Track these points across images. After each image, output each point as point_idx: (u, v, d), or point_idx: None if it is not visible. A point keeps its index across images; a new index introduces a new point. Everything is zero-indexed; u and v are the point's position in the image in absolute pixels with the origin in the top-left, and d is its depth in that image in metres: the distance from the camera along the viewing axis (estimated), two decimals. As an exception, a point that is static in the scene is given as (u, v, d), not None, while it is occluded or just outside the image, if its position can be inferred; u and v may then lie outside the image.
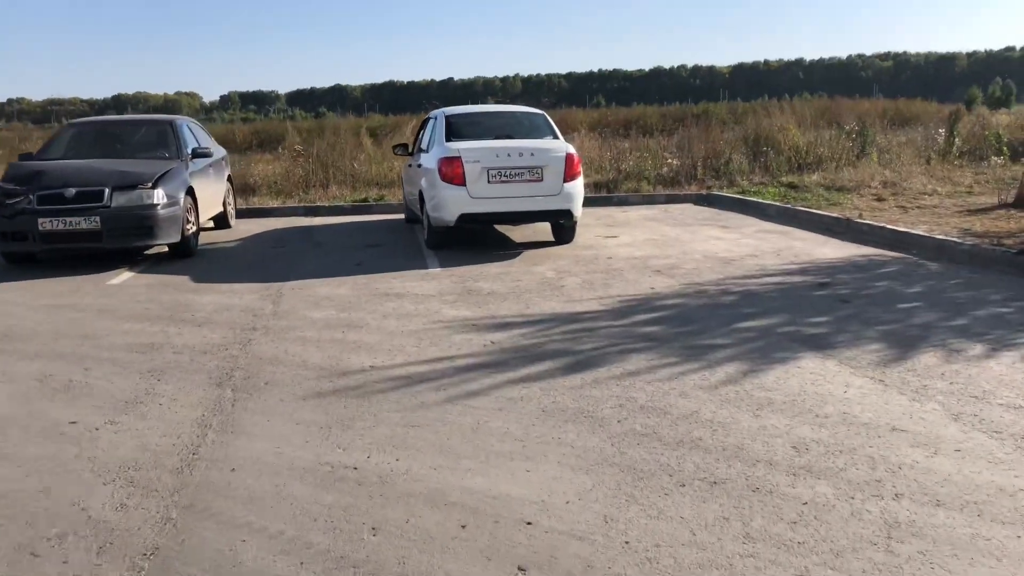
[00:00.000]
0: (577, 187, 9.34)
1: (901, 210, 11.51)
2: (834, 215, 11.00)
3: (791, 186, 14.48)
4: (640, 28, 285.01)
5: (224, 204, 11.83)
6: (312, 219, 13.21)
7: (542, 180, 9.16)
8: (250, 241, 10.97)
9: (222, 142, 14.27)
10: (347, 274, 8.40)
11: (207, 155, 10.36)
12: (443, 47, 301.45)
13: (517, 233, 10.79)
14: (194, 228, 9.63)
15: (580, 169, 9.46)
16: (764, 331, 5.90)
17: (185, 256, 9.45)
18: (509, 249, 9.77)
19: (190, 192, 9.62)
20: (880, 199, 12.68)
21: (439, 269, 8.60)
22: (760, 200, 13.10)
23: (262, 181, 15.90)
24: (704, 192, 14.66)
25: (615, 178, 16.00)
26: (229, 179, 12.24)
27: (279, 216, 13.58)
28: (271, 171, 16.56)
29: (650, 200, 14.47)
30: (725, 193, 14.26)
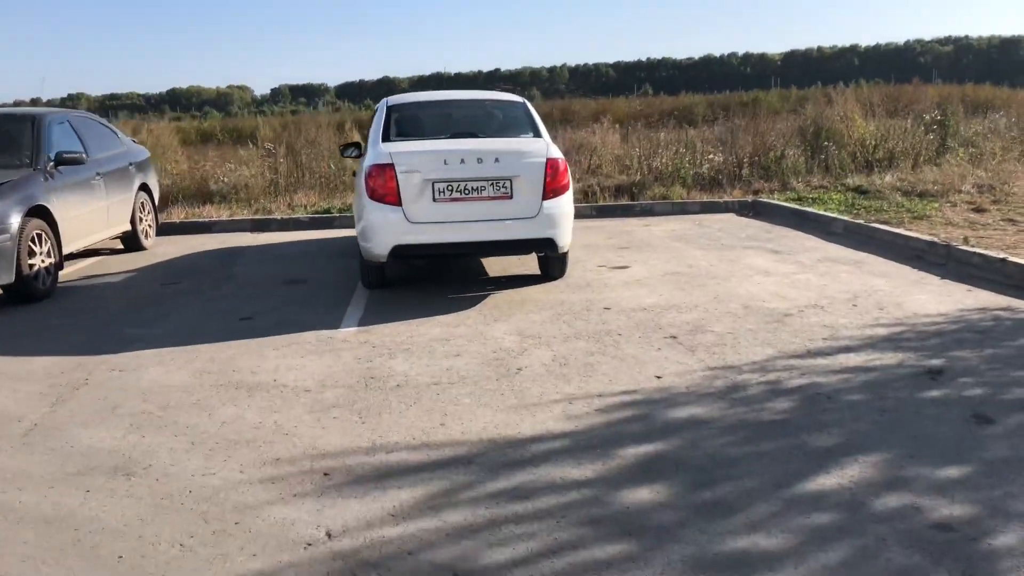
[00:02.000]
0: (562, 206, 6.57)
1: (1013, 226, 8.51)
2: (926, 238, 8.05)
3: (859, 191, 11.49)
4: (690, 16, 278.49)
5: (134, 221, 9.28)
6: (256, 236, 10.59)
7: (511, 197, 6.40)
8: (145, 273, 8.38)
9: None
10: (218, 337, 5.76)
11: (78, 162, 7.77)
12: (490, 39, 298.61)
13: (495, 262, 8.05)
14: (47, 262, 7.05)
15: (568, 180, 6.67)
16: (851, 507, 3.11)
17: (27, 300, 6.88)
18: (472, 289, 7.05)
19: (40, 212, 7.05)
20: (978, 209, 9.67)
21: (354, 329, 5.91)
22: (822, 212, 10.16)
23: (230, 186, 13.26)
24: (750, 199, 11.73)
25: (642, 179, 13.12)
26: (145, 188, 9.68)
27: (219, 232, 11.01)
28: (239, 175, 13.97)
29: (682, 208, 11.60)
30: (776, 200, 11.32)
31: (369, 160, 6.49)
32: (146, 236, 9.67)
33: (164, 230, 10.82)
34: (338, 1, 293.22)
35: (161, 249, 9.68)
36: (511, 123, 7.37)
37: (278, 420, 4.20)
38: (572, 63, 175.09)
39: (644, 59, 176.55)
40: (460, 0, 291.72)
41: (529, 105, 7.48)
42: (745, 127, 14.35)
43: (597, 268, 7.82)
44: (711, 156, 14.12)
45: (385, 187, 6.34)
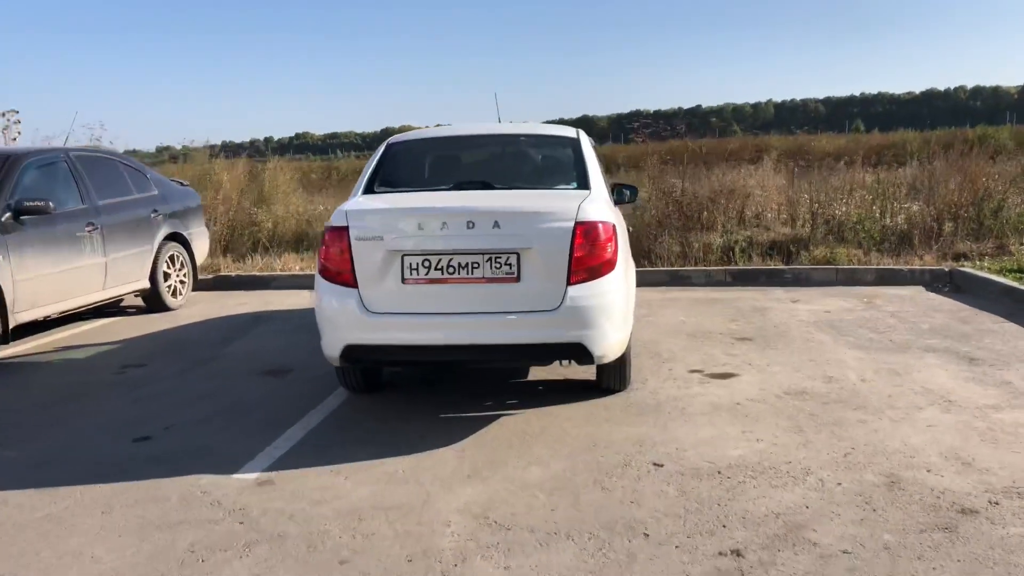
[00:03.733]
0: (603, 293, 4.27)
1: None
2: None
3: (1115, 261, 8.21)
4: (909, 48, 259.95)
5: (155, 277, 7.84)
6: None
7: (518, 279, 4.18)
8: (127, 347, 6.83)
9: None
10: (63, 478, 3.97)
11: (42, 211, 6.33)
12: (689, 76, 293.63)
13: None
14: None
15: (615, 254, 4.34)
16: None
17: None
18: (487, 400, 4.90)
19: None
20: None
21: (253, 476, 3.92)
22: (1053, 293, 7.10)
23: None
24: (947, 267, 8.72)
25: (810, 234, 10.34)
26: (178, 239, 8.23)
27: (278, 288, 9.45)
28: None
29: (850, 278, 8.77)
30: (985, 272, 8.28)
31: (330, 222, 4.49)
32: (175, 294, 8.22)
33: (216, 284, 9.40)
34: (536, 47, 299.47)
35: (188, 311, 8.18)
36: (550, 168, 5.17)
37: None
38: (778, 98, 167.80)
39: (858, 94, 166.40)
40: (661, 37, 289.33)
41: (584, 140, 5.20)
42: (949, 169, 11.12)
43: (688, 375, 5.39)
44: (907, 205, 11.10)
45: (337, 260, 4.32)
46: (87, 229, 6.96)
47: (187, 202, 8.64)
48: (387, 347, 4.26)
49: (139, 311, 8.20)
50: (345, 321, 4.27)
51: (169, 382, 5.64)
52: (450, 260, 4.19)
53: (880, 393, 4.91)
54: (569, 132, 5.22)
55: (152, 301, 7.99)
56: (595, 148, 6.00)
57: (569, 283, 4.18)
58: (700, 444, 4.15)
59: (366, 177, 4.98)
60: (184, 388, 5.47)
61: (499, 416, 4.66)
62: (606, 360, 4.40)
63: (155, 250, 7.86)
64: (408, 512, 3.47)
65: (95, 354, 6.52)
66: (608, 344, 4.30)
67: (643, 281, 8.85)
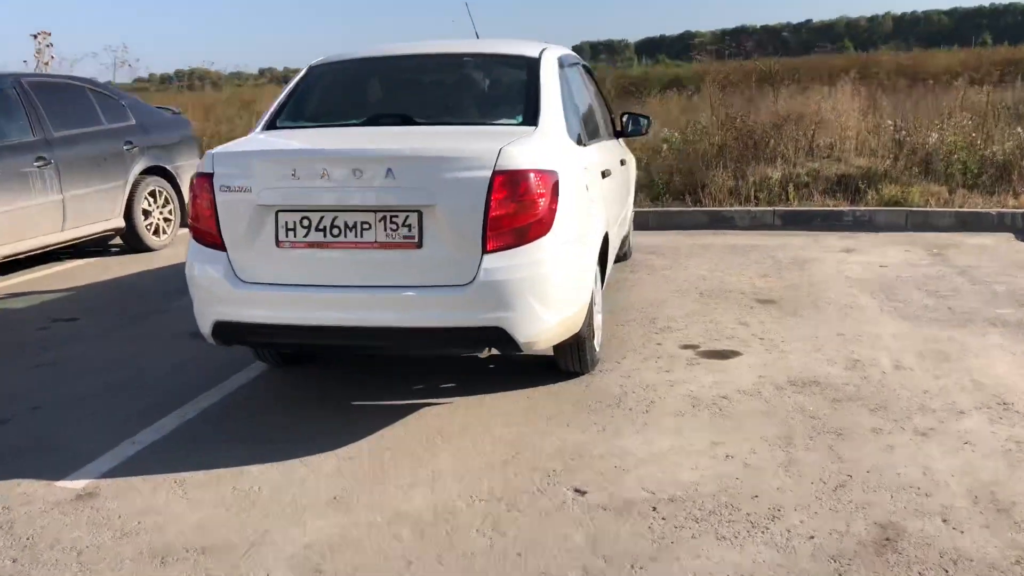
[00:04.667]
0: (530, 261, 3.28)
1: None
2: None
3: None
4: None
5: (132, 215, 7.25)
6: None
7: (419, 244, 3.23)
8: (71, 297, 6.24)
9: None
10: None
11: None
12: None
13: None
14: None
15: (547, 210, 3.32)
16: None
17: None
18: (418, 386, 4.02)
19: None
20: None
21: (82, 484, 3.20)
22: None
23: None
24: (1044, 210, 7.29)
25: (887, 169, 8.93)
26: (161, 172, 7.57)
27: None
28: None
29: (923, 222, 7.45)
30: (1091, 216, 6.84)
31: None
32: (157, 233, 7.59)
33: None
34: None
35: (172, 251, 7.55)
36: (496, 97, 4.14)
37: None
38: (897, 10, 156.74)
39: (987, 4, 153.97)
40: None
41: (547, 62, 4.10)
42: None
43: (677, 352, 4.40)
44: (1019, 130, 9.51)
45: (204, 216, 3.47)
46: (36, 164, 6.31)
47: (175, 133, 7.93)
48: (260, 326, 3.41)
49: (122, 251, 7.62)
50: (212, 292, 3.44)
51: (88, 343, 4.98)
52: (334, 219, 3.28)
53: (914, 387, 3.82)
54: (529, 51, 4.14)
55: (131, 240, 7.39)
56: (583, 72, 4.93)
57: (485, 250, 3.23)
58: (649, 461, 3.20)
59: (272, 108, 4.08)
60: (97, 352, 4.80)
61: (422, 406, 3.80)
62: (537, 348, 3.45)
63: (129, 186, 7.20)
64: (225, 556, 2.67)
65: (34, 304, 5.94)
66: (539, 328, 3.34)
67: (678, 223, 7.76)
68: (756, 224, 7.71)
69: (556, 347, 3.85)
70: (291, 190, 3.29)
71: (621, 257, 6.35)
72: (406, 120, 3.80)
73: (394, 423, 3.62)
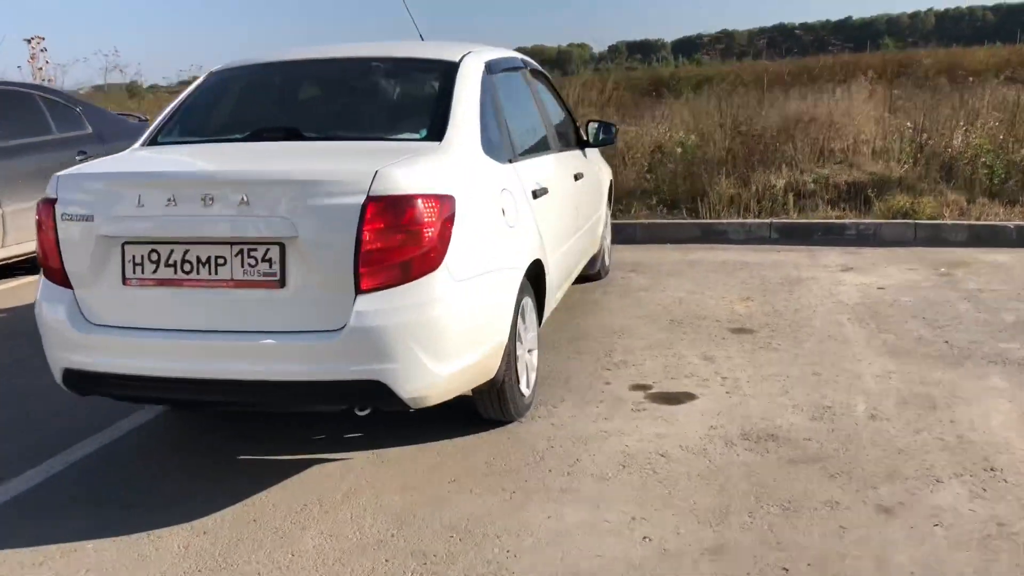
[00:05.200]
0: (415, 302, 2.78)
1: None
2: None
3: None
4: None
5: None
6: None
7: (283, 284, 2.75)
8: None
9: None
10: None
11: None
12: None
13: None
14: None
15: (436, 242, 2.81)
16: None
17: None
18: (319, 435, 3.53)
19: None
20: None
21: None
22: None
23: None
24: (1070, 222, 6.62)
25: (903, 174, 8.28)
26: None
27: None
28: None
29: (933, 235, 6.81)
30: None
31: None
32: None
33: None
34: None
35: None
36: (404, 108, 3.63)
37: None
38: (940, 6, 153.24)
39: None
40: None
41: (465, 69, 3.56)
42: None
43: (625, 394, 3.88)
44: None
45: (47, 247, 3.02)
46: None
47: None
48: (108, 376, 2.95)
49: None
50: (59, 336, 2.99)
51: (-9, 376, 4.58)
52: (185, 253, 2.81)
53: (888, 444, 3.26)
54: (449, 54, 3.63)
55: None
56: (528, 78, 4.41)
57: (359, 290, 2.73)
58: (549, 543, 2.68)
59: (156, 121, 3.63)
60: (-4, 387, 4.39)
61: (315, 463, 3.32)
62: (430, 403, 2.94)
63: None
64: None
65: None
66: (429, 381, 2.84)
67: (670, 236, 7.21)
68: (752, 238, 7.13)
69: (475, 391, 3.35)
70: (137, 219, 2.83)
71: (594, 276, 5.83)
72: (293, 135, 3.31)
73: (273, 485, 3.14)
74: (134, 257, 2.85)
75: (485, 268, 3.08)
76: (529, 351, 3.71)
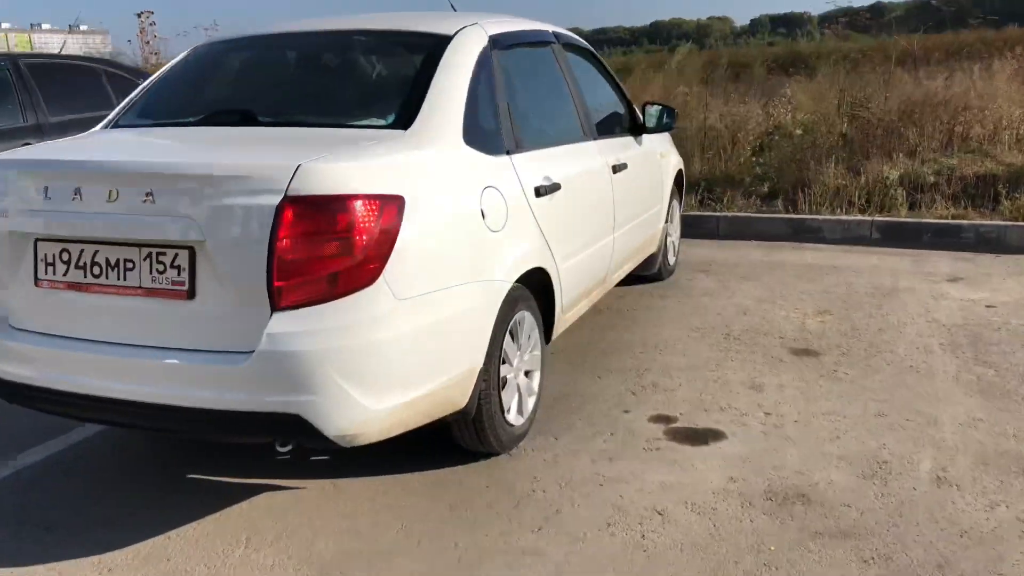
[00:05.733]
0: (345, 323, 2.33)
1: None
2: None
3: None
4: None
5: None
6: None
7: (192, 295, 2.36)
8: None
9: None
10: None
11: None
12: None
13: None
14: None
15: (374, 251, 2.34)
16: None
17: None
18: (277, 459, 3.13)
19: None
20: None
21: None
22: None
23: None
24: None
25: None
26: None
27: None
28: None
29: (953, 238, 5.82)
30: None
31: None
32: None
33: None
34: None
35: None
36: (378, 88, 3.14)
37: None
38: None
39: None
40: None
41: (457, 45, 3.03)
42: None
43: (643, 427, 3.33)
44: None
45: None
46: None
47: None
48: (23, 388, 2.63)
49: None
50: (-23, 338, 2.70)
51: None
52: (95, 253, 2.46)
53: (950, 521, 2.58)
54: (443, 28, 3.11)
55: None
56: (559, 54, 3.85)
57: (276, 307, 2.30)
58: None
59: (124, 102, 3.30)
60: None
61: (263, 489, 2.94)
62: (364, 441, 2.49)
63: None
64: None
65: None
66: (362, 417, 2.39)
67: (756, 232, 6.49)
68: (849, 237, 6.30)
69: (451, 420, 2.88)
70: (49, 214, 2.49)
71: (654, 277, 5.23)
72: (248, 119, 2.91)
73: (210, 514, 2.78)
74: (46, 256, 2.53)
75: (447, 282, 2.59)
76: (527, 373, 3.21)
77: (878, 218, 6.30)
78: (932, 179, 7.15)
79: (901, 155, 7.58)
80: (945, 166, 7.45)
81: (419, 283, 2.48)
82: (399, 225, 2.39)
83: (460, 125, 2.82)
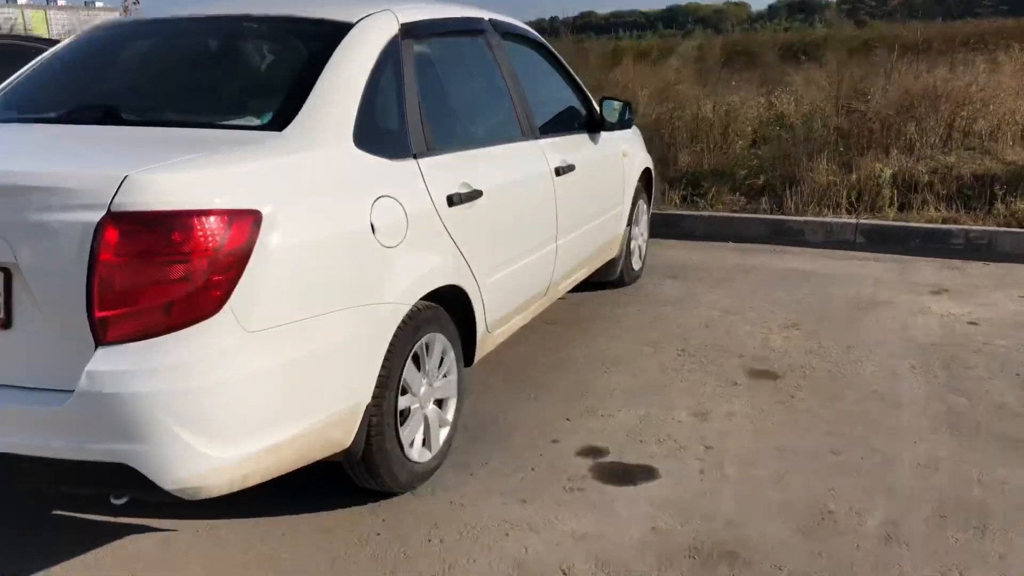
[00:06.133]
0: (181, 361, 2.01)
1: None
2: None
3: None
4: None
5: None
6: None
7: (8, 324, 2.03)
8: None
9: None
10: None
11: None
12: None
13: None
14: None
15: (224, 272, 2.03)
16: None
17: None
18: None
19: None
20: None
21: None
22: None
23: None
24: None
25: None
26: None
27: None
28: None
29: (942, 243, 5.45)
30: None
31: None
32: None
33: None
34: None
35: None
36: (261, 82, 2.80)
37: None
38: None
39: None
40: None
41: (360, 33, 2.67)
42: None
43: (570, 460, 3.02)
44: None
45: None
46: None
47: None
48: None
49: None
50: None
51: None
52: None
53: (888, 593, 2.24)
54: (346, 14, 2.75)
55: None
56: (496, 45, 3.50)
57: (100, 341, 1.97)
58: None
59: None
60: None
61: (132, 531, 2.63)
62: (212, 493, 2.16)
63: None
64: None
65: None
66: (203, 468, 2.07)
67: (734, 234, 6.14)
68: (832, 241, 5.94)
69: (348, 454, 2.55)
70: None
71: (615, 283, 4.89)
72: (110, 116, 2.57)
73: (61, 562, 2.47)
74: None
75: (321, 308, 2.26)
76: (439, 402, 2.88)
77: (863, 221, 5.93)
78: (927, 178, 6.76)
79: (897, 151, 7.19)
80: (942, 164, 7.07)
81: (280, 311, 2.15)
82: (252, 244, 2.06)
83: (351, 126, 2.49)
